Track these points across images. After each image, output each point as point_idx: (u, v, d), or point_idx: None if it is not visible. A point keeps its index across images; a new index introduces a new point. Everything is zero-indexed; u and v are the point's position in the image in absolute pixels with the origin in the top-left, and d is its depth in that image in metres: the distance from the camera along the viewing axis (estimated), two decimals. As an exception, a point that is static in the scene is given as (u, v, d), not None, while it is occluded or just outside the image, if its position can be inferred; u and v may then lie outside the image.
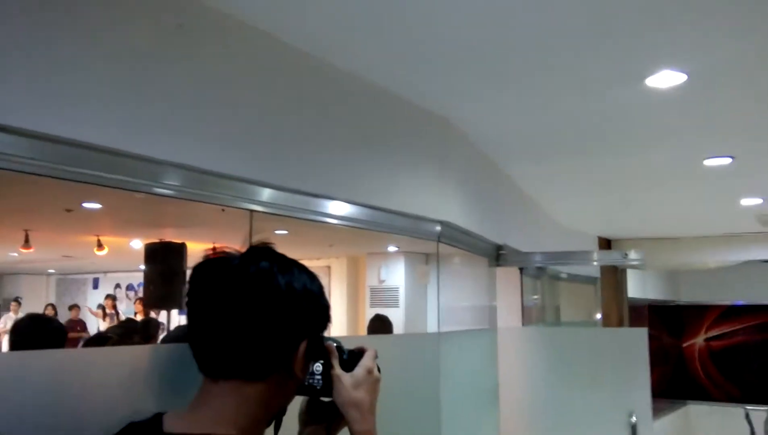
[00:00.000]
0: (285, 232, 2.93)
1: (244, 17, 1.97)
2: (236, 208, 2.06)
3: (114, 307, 8.44)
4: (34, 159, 1.46)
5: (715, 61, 2.35)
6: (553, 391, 3.66)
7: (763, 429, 9.26)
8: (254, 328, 1.12)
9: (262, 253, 1.20)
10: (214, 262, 1.18)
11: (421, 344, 2.80)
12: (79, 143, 1.52)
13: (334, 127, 2.41)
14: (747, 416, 9.10)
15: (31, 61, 1.45)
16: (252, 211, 2.08)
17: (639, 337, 3.58)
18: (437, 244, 2.95)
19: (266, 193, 2.10)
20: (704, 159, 3.69)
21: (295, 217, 2.34)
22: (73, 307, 9.84)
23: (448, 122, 3.04)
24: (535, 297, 5.39)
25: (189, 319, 1.17)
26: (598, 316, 7.16)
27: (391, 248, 6.40)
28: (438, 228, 2.90)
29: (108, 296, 8.50)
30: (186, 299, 1.17)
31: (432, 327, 2.91)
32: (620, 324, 7.60)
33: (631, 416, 3.46)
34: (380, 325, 4.23)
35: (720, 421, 9.91)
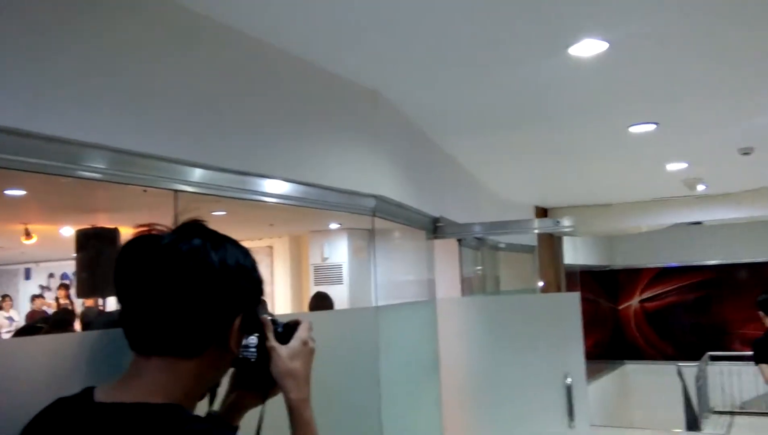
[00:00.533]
0: (223, 212, 2.88)
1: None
2: (161, 188, 2.00)
3: (67, 296, 8.06)
4: None
5: (635, 30, 2.41)
6: (492, 358, 3.75)
7: (694, 384, 9.75)
8: (189, 305, 1.11)
9: (193, 230, 1.19)
10: (144, 239, 1.16)
11: (359, 319, 2.82)
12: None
13: (263, 103, 2.37)
14: (679, 373, 9.57)
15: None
16: (177, 190, 2.03)
17: (572, 302, 3.69)
18: (372, 218, 2.96)
19: (193, 173, 2.05)
20: (629, 126, 3.80)
21: (225, 196, 2.30)
22: (38, 297, 9.39)
23: (379, 95, 3.02)
24: (477, 268, 5.49)
25: (119, 297, 1.15)
26: (539, 284, 7.36)
27: (334, 226, 6.38)
28: (372, 202, 2.91)
29: (61, 286, 8.14)
30: (115, 277, 1.15)
31: (374, 294, 2.93)
32: (558, 290, 7.83)
33: (566, 378, 3.58)
34: (321, 302, 4.24)
35: (655, 379, 10.39)
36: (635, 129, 3.86)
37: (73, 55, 1.69)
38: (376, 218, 3.03)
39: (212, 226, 1.27)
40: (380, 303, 3.37)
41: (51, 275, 10.58)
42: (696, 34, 2.49)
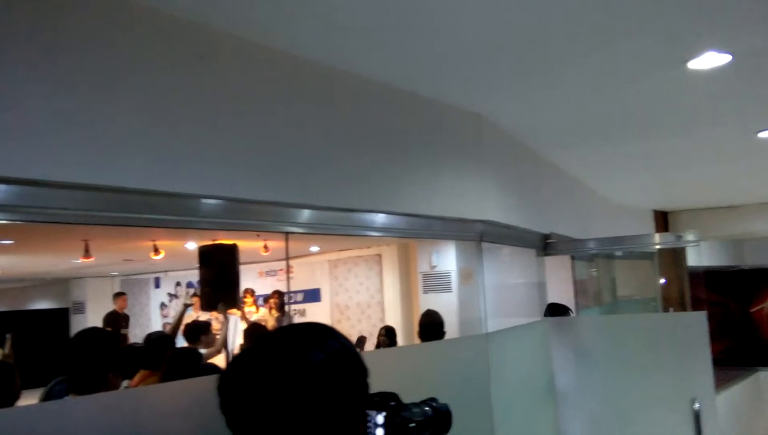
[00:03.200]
0: None
1: (257, 38, 1.95)
2: (274, 232, 2.07)
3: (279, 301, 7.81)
4: (84, 208, 1.51)
5: (760, 41, 2.22)
6: (610, 381, 3.57)
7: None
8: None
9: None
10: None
11: (470, 347, 2.77)
12: (116, 189, 1.55)
13: (364, 138, 2.39)
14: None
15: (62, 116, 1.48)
16: (288, 232, 2.09)
17: (698, 321, 3.45)
18: (480, 243, 2.91)
19: (301, 214, 2.10)
20: (758, 132, 3.51)
21: (332, 234, 2.34)
22: (119, 295, 9.40)
23: (482, 118, 2.97)
24: (592, 277, 5.28)
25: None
26: (660, 283, 6.97)
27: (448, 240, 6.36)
28: (479, 228, 2.86)
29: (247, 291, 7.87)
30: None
31: (483, 320, 2.87)
32: (681, 297, 7.38)
33: (693, 403, 3.36)
34: (430, 319, 4.23)
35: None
36: (764, 134, 3.56)
37: (188, 113, 1.77)
38: (487, 242, 2.98)
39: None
40: (490, 324, 3.31)
41: (178, 283, 11.26)
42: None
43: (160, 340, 4.18)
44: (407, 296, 8.75)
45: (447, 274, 7.35)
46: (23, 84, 1.41)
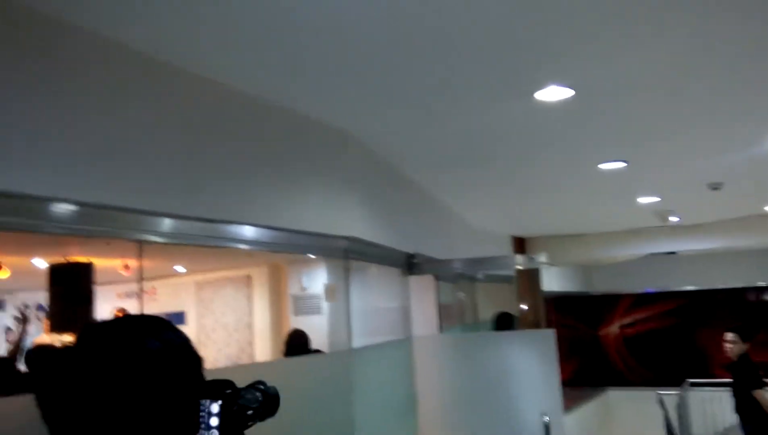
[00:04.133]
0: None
1: (116, 36, 1.89)
2: (125, 239, 1.99)
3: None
4: None
5: (600, 77, 2.46)
6: (467, 395, 3.73)
7: (675, 411, 9.75)
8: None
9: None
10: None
11: (334, 363, 2.79)
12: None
13: (231, 150, 2.37)
14: (660, 401, 9.57)
15: None
16: (142, 241, 2.02)
17: (547, 339, 3.69)
18: (345, 260, 2.95)
19: (160, 223, 2.04)
20: (599, 163, 3.85)
21: (193, 244, 2.29)
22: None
23: (348, 135, 3.04)
24: (455, 301, 5.49)
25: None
26: (520, 307, 7.36)
27: (312, 255, 6.35)
28: (344, 244, 2.90)
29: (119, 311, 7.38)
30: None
31: (352, 338, 2.90)
32: (537, 318, 7.84)
33: (543, 416, 3.56)
34: (297, 339, 4.21)
35: (637, 405, 10.35)
36: (605, 166, 3.91)
37: (33, 109, 1.68)
38: (352, 260, 3.03)
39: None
40: (356, 341, 3.35)
41: (26, 306, 10.37)
42: (661, 77, 2.55)
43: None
44: (277, 319, 8.61)
45: (317, 297, 7.34)
46: None
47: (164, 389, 1.03)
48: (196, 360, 1.12)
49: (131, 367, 1.01)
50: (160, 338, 1.06)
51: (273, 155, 2.58)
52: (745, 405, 4.98)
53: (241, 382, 2.37)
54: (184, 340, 1.11)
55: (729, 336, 5.04)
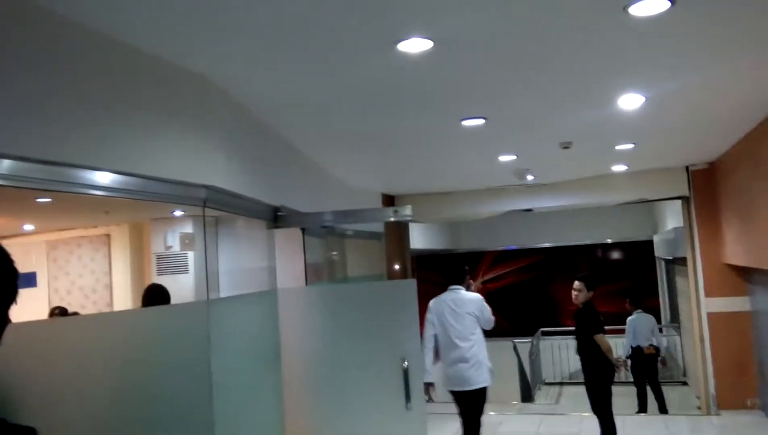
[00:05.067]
0: (49, 199, 2.64)
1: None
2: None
3: None
4: None
5: (459, 29, 2.52)
6: (333, 346, 3.79)
7: (528, 358, 10.50)
8: None
9: None
10: None
11: (189, 314, 2.73)
12: None
13: (79, 89, 2.20)
14: (514, 349, 10.29)
15: None
16: (-28, 183, 1.85)
17: (409, 288, 3.82)
18: (203, 209, 2.87)
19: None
20: (461, 120, 3.98)
21: (42, 190, 2.13)
22: None
23: (208, 80, 2.91)
24: (324, 256, 5.51)
25: None
26: (394, 267, 7.54)
27: (178, 213, 6.13)
28: (203, 193, 2.82)
29: None
30: None
31: (212, 289, 2.83)
32: (405, 274, 8.09)
33: (403, 362, 3.70)
34: (155, 297, 4.06)
35: (495, 355, 11.06)
36: (467, 123, 4.05)
37: None
38: (212, 209, 2.95)
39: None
40: (222, 294, 3.29)
41: None
42: (517, 33, 2.65)
43: None
44: (139, 279, 8.25)
45: (183, 255, 7.11)
46: None
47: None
48: (12, 270, 1.23)
49: None
50: None
51: (127, 97, 2.43)
52: (586, 348, 5.45)
53: (98, 331, 2.26)
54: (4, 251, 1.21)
55: (576, 284, 5.47)
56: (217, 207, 2.98)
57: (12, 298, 1.23)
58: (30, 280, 8.76)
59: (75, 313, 4.05)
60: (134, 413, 2.28)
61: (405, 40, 2.55)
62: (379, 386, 3.71)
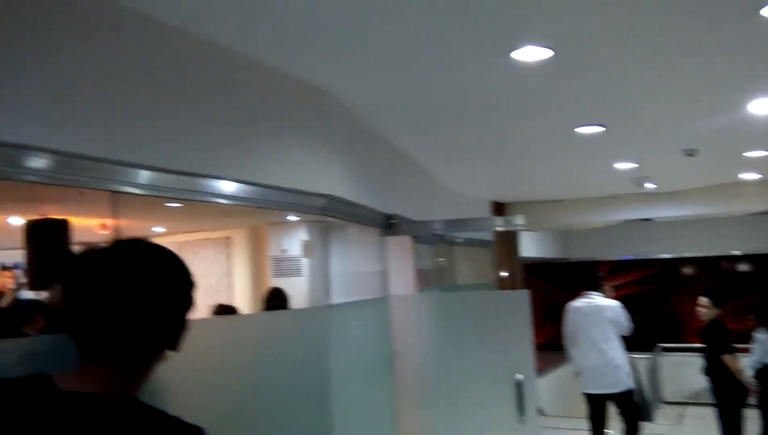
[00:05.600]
0: (178, 204, 2.85)
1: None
2: (99, 190, 1.99)
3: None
4: None
5: (578, 37, 2.47)
6: (444, 355, 3.79)
7: (647, 375, 9.99)
8: (167, 316, 1.21)
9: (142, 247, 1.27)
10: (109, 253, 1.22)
11: (311, 318, 2.82)
12: None
13: (212, 104, 2.36)
14: (632, 365, 9.81)
15: None
16: (116, 192, 2.02)
17: (522, 299, 3.75)
18: (322, 217, 2.97)
19: (136, 174, 2.04)
20: (576, 127, 3.88)
21: (171, 198, 2.30)
22: None
23: (326, 93, 3.02)
24: (434, 263, 5.54)
25: (82, 308, 1.16)
26: (502, 275, 7.46)
27: (292, 217, 6.39)
28: (322, 201, 2.92)
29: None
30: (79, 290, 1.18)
31: (330, 295, 2.92)
32: (514, 282, 7.96)
33: (515, 374, 3.64)
34: (275, 300, 4.25)
35: (609, 369, 10.60)
36: (582, 130, 3.95)
37: (6, 55, 1.66)
38: (329, 217, 3.05)
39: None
40: (335, 300, 3.39)
41: (3, 266, 10.26)
42: (640, 40, 2.56)
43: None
44: (257, 280, 8.64)
45: (297, 259, 7.37)
46: None
47: (173, 294, 1.23)
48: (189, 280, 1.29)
49: (148, 271, 1.20)
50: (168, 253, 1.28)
51: (253, 111, 2.58)
52: (715, 368, 5.13)
53: (224, 334, 2.39)
54: (182, 261, 1.29)
55: (702, 301, 5.16)
56: (334, 215, 3.07)
57: (190, 305, 1.26)
58: (159, 279, 9.31)
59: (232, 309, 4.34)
60: (259, 413, 2.39)
61: (520, 48, 2.53)
62: (491, 397, 3.67)
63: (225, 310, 6.01)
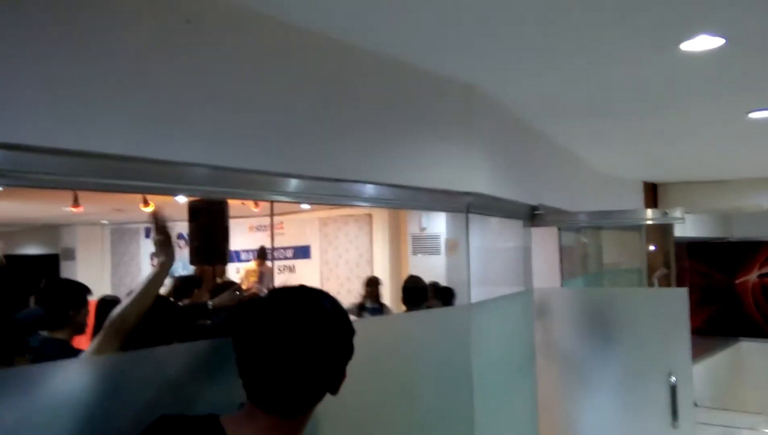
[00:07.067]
0: None
1: (246, 2, 1.92)
2: (260, 200, 2.08)
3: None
4: (67, 174, 1.50)
5: (753, 24, 2.20)
6: (592, 352, 3.65)
7: (815, 368, 9.06)
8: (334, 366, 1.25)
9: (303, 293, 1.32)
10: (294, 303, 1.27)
11: (454, 317, 2.81)
12: (100, 155, 1.54)
13: (354, 108, 2.37)
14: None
15: (40, 76, 1.46)
16: (273, 201, 2.10)
17: (679, 298, 3.50)
18: (466, 215, 2.92)
19: (287, 183, 2.11)
20: (748, 112, 3.51)
21: (319, 204, 2.35)
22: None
23: (474, 88, 2.94)
24: (579, 242, 5.31)
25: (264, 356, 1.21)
26: (648, 252, 7.03)
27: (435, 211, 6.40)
28: (466, 200, 2.87)
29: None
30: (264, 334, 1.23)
31: (467, 290, 2.89)
32: (668, 268, 7.46)
33: (670, 377, 3.43)
34: (414, 286, 4.28)
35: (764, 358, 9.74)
36: (755, 115, 3.56)
37: (172, 78, 1.75)
38: (474, 214, 2.99)
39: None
40: (476, 292, 3.34)
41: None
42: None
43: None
44: (396, 257, 8.81)
45: (436, 237, 7.39)
46: (2, 50, 1.39)
47: (333, 345, 1.24)
48: (351, 328, 1.31)
49: (311, 321, 1.23)
50: (330, 300, 1.30)
51: (396, 113, 2.57)
52: None
53: (369, 334, 2.43)
54: (342, 308, 1.32)
55: None
56: (479, 212, 3.01)
57: (352, 354, 1.29)
58: (305, 252, 9.80)
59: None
60: (404, 410, 2.42)
61: (690, 39, 2.30)
62: (643, 400, 3.49)
63: (373, 281, 6.18)
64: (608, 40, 2.39)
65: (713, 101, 3.33)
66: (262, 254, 8.04)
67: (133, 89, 1.65)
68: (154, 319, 2.00)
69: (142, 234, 12.02)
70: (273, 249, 8.41)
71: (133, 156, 1.63)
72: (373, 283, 6.02)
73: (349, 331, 1.28)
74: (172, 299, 4.68)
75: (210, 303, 3.39)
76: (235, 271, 8.31)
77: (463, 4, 2.03)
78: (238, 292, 3.51)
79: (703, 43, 2.34)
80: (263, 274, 7.70)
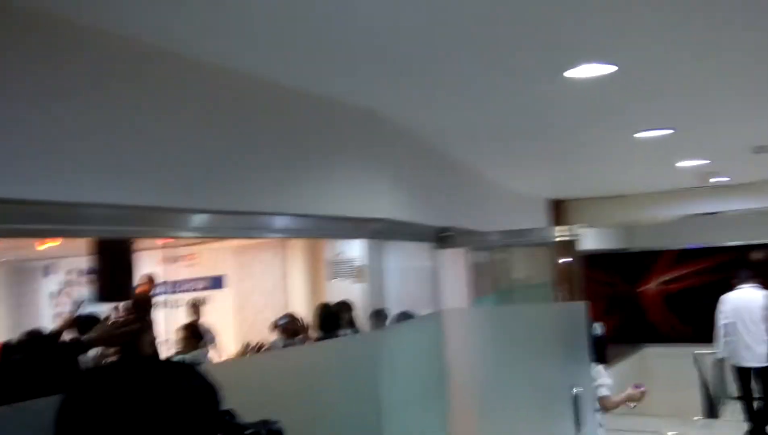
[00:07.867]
0: None
1: (148, 39, 1.89)
2: (165, 238, 2.03)
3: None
4: None
5: (644, 53, 2.38)
6: (498, 369, 3.73)
7: (712, 370, 9.63)
8: None
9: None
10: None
11: (362, 344, 2.81)
12: None
13: (257, 140, 2.36)
14: (695, 360, 9.43)
15: None
16: (176, 238, 2.05)
17: (578, 312, 3.65)
18: (374, 241, 2.95)
19: (191, 219, 2.07)
20: (634, 133, 3.77)
21: (223, 237, 2.32)
22: None
23: (375, 114, 2.98)
24: (488, 260, 5.45)
25: None
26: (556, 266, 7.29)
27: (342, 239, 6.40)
28: (372, 226, 2.90)
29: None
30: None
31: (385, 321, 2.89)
32: (572, 281, 7.77)
33: (573, 388, 3.55)
34: (327, 312, 4.27)
35: (675, 363, 10.23)
36: (644, 135, 3.82)
37: (69, 119, 1.70)
38: (380, 240, 3.02)
39: None
40: (389, 314, 3.35)
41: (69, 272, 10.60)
42: (703, 44, 2.44)
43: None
44: (313, 283, 8.73)
45: (352, 261, 7.39)
46: None
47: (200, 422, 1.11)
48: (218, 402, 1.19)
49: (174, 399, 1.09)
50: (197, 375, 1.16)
51: (298, 142, 2.57)
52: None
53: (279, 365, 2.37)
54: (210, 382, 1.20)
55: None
56: (384, 238, 3.05)
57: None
58: (218, 282, 9.56)
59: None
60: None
61: (575, 67, 2.45)
62: (549, 412, 3.60)
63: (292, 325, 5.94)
64: (501, 69, 2.50)
65: (602, 124, 3.54)
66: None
67: (20, 127, 1.58)
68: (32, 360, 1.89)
69: (41, 273, 11.33)
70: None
71: (13, 198, 1.55)
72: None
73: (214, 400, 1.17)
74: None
75: (84, 338, 3.25)
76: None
77: (351, 28, 2.05)
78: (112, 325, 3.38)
79: (590, 70, 2.49)
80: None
